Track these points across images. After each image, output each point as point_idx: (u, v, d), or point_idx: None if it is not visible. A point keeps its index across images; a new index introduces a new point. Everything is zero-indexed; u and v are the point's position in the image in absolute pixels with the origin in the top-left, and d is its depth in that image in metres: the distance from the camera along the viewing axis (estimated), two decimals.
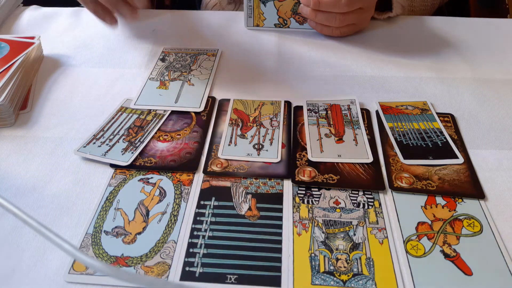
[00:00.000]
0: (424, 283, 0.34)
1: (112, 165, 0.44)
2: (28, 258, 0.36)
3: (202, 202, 0.41)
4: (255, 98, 0.53)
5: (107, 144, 0.46)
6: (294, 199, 0.41)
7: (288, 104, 0.52)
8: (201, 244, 0.37)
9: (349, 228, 0.38)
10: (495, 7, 0.85)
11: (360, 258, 0.36)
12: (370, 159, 0.44)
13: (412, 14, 0.72)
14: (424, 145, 0.46)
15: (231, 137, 0.47)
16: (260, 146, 0.46)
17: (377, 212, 0.40)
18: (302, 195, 0.41)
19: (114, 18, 0.57)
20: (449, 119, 0.50)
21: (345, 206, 0.40)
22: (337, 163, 0.44)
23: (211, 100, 0.53)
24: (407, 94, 0.54)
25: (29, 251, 0.37)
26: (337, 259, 0.36)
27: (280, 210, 0.40)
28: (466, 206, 0.40)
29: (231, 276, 0.35)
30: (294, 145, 0.47)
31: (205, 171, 0.44)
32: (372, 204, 0.40)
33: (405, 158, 0.44)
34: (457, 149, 0.45)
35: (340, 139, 0.47)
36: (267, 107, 0.52)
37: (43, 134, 0.48)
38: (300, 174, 0.43)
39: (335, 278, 0.34)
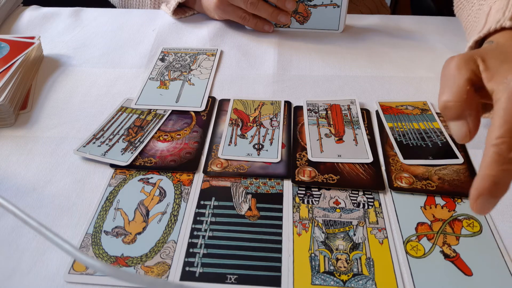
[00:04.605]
0: (424, 284, 0.34)
1: (112, 165, 0.44)
2: (28, 258, 0.36)
3: (202, 202, 0.41)
4: (255, 98, 0.53)
5: (106, 144, 0.46)
6: (294, 199, 0.41)
7: (288, 104, 0.52)
8: (201, 244, 0.37)
9: (349, 228, 0.38)
10: None
11: (360, 258, 0.36)
12: (370, 159, 0.44)
13: None
14: (424, 145, 0.46)
15: (231, 137, 0.47)
16: (260, 146, 0.46)
17: (377, 212, 0.40)
18: (302, 195, 0.41)
19: (271, 24, 0.66)
20: None
21: (345, 206, 0.40)
22: (337, 163, 0.44)
23: (211, 100, 0.53)
24: (407, 94, 0.54)
25: (29, 251, 0.37)
26: (337, 259, 0.36)
27: (280, 210, 0.40)
28: (466, 206, 0.40)
29: (231, 276, 0.35)
30: (294, 145, 0.47)
31: (205, 171, 0.44)
32: (372, 204, 0.40)
33: (405, 158, 0.44)
34: (457, 149, 0.45)
35: (340, 139, 0.47)
36: (267, 107, 0.52)
37: (43, 134, 0.48)
38: (300, 174, 0.43)
39: (335, 278, 0.34)
